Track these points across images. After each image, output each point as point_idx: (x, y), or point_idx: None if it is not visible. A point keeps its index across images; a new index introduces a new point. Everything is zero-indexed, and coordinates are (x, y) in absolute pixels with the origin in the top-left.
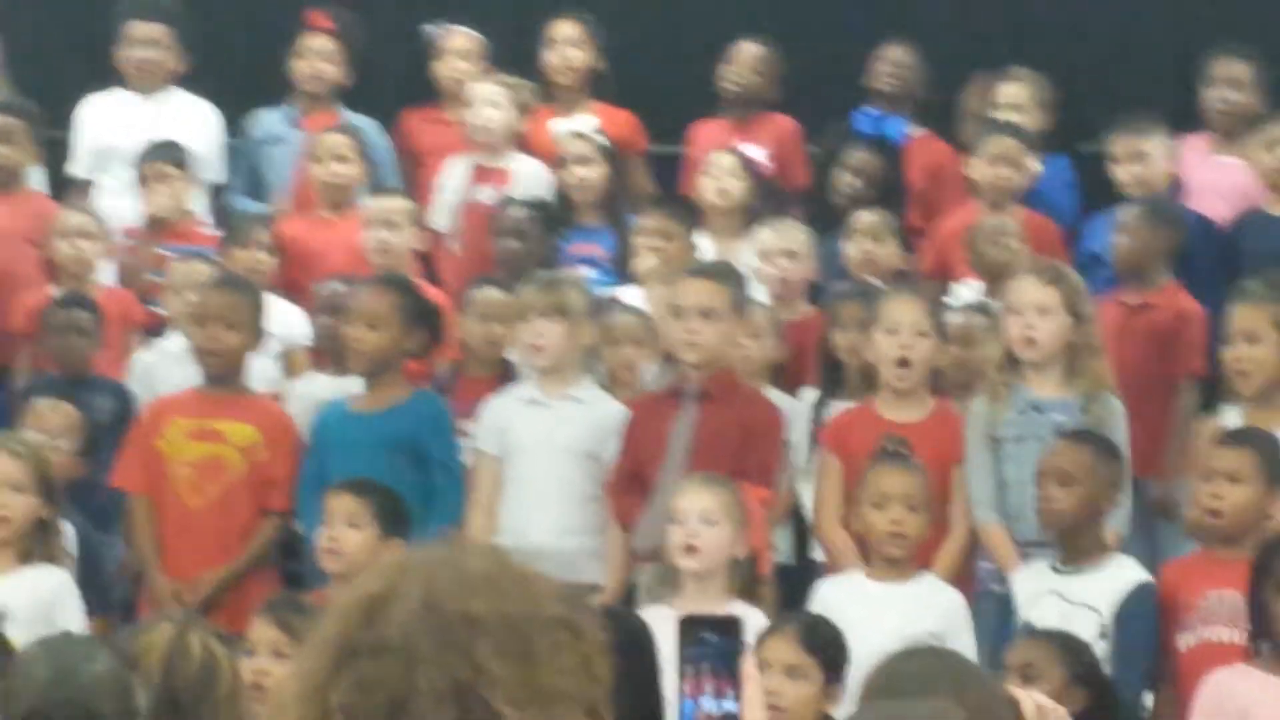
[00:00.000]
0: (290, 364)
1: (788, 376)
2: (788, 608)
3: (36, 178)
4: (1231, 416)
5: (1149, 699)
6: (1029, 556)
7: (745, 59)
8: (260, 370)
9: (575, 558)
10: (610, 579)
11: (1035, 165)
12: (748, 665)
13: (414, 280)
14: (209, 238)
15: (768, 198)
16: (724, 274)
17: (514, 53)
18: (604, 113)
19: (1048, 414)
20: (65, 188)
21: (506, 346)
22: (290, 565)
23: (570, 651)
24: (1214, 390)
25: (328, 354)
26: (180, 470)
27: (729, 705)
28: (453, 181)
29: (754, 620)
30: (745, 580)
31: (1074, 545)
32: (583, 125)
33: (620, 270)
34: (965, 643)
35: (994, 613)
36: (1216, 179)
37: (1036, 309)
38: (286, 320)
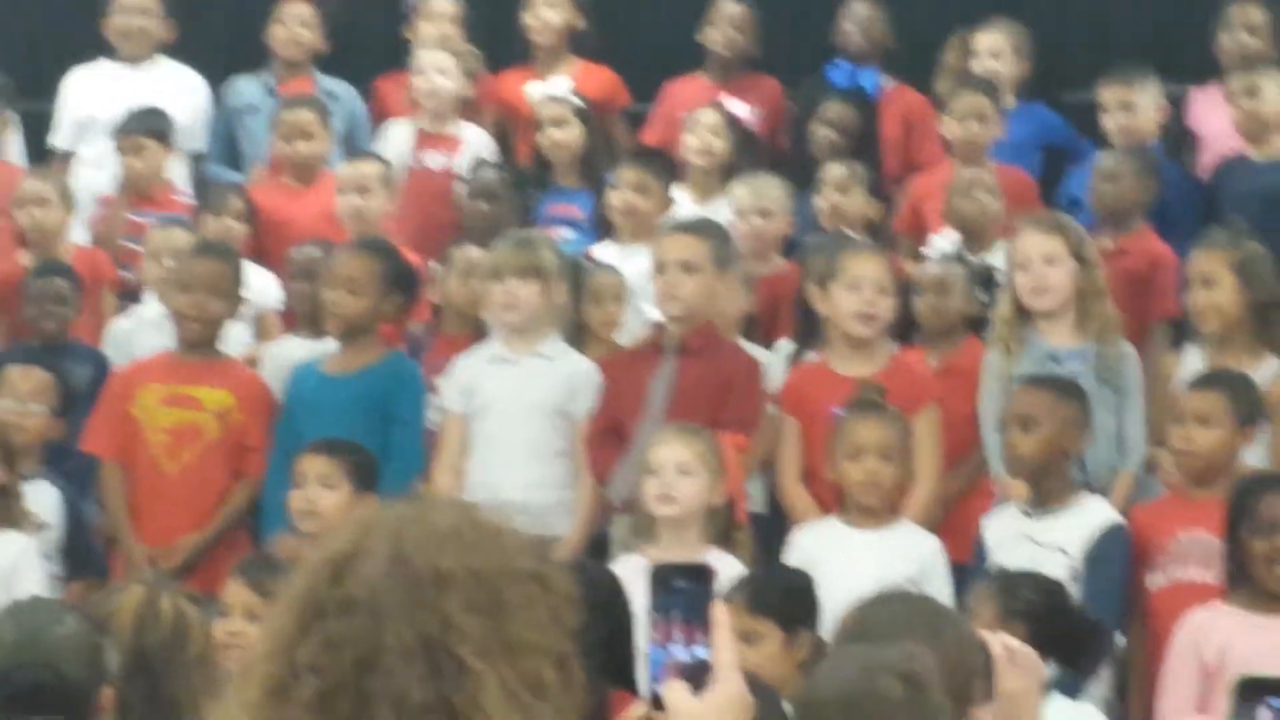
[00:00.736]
0: (262, 328)
1: (764, 330)
2: (765, 555)
3: (15, 149)
4: (1193, 357)
5: (1120, 639)
6: None
7: (727, 17)
8: (234, 335)
9: (546, 512)
10: (575, 531)
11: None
12: (719, 611)
13: (392, 244)
14: (184, 205)
15: (749, 154)
16: (706, 229)
17: (494, 12)
18: (585, 70)
19: (1065, 363)
20: (47, 159)
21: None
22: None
23: (540, 604)
24: (1185, 333)
25: (301, 318)
26: (156, 436)
27: (700, 652)
28: (394, 146)
29: (729, 567)
30: (722, 527)
31: (1042, 488)
32: (557, 86)
33: (599, 230)
34: (941, 588)
35: None
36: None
37: (1043, 259)
38: (259, 285)
